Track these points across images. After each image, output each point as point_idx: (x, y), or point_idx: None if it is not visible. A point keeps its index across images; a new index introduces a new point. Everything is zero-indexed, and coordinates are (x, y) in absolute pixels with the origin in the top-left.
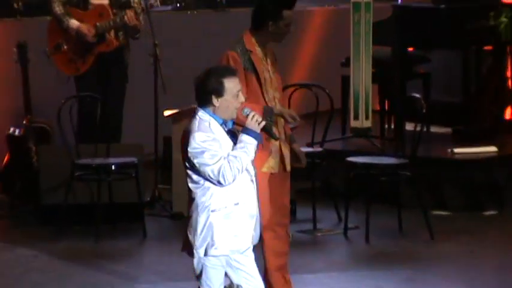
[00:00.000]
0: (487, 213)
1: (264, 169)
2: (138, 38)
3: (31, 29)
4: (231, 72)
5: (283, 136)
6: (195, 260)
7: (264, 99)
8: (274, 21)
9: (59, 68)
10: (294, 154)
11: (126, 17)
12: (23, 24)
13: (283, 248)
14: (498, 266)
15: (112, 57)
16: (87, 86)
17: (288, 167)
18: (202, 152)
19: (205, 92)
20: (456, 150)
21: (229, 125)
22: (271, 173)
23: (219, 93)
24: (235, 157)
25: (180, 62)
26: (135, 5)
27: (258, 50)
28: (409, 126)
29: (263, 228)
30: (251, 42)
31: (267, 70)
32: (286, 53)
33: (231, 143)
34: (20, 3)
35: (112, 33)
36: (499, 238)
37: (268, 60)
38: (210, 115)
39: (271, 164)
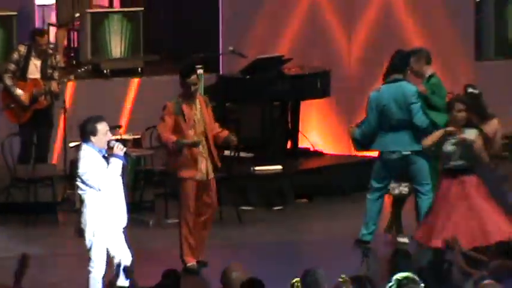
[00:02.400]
0: (275, 208)
1: (197, 177)
2: (58, 99)
3: None
4: (101, 119)
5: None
6: (86, 240)
7: (189, 134)
8: (183, 79)
9: (8, 119)
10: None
11: (52, 87)
12: None
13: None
14: (284, 241)
15: (43, 112)
16: (27, 130)
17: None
18: (86, 172)
19: (85, 133)
20: (256, 168)
21: (103, 151)
22: (200, 181)
23: (94, 133)
24: (109, 172)
25: (81, 111)
26: (57, 78)
27: (186, 100)
28: (226, 153)
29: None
30: (181, 95)
31: (194, 114)
32: None
33: (105, 164)
34: None
35: (43, 97)
36: (283, 224)
37: (198, 107)
38: (89, 146)
39: (199, 175)
